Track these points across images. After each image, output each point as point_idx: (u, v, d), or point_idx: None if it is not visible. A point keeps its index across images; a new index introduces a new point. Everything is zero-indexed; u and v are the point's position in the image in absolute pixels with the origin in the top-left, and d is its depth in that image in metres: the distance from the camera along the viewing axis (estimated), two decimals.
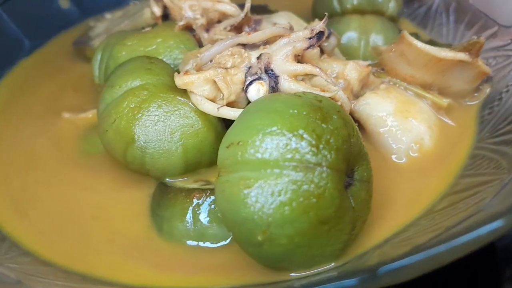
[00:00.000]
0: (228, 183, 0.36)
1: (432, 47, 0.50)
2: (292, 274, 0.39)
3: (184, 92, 0.47)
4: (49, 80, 0.69)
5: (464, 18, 0.67)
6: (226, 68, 0.46)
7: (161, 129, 0.45)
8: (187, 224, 0.43)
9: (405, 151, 0.51)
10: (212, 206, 0.43)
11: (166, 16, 0.60)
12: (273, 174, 0.35)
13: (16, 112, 0.64)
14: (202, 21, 0.56)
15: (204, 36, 0.56)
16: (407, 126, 0.51)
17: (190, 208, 0.43)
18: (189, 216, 0.43)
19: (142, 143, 0.45)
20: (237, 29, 0.57)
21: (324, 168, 0.35)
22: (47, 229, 0.47)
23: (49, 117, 0.61)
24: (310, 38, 0.45)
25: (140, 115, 0.45)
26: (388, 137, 0.51)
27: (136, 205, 0.48)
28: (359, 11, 0.68)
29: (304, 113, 0.37)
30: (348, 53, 0.63)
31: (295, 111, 0.37)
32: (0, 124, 0.62)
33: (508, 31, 0.58)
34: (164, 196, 0.45)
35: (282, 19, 0.63)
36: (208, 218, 0.43)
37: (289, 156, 0.35)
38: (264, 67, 0.45)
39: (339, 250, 0.38)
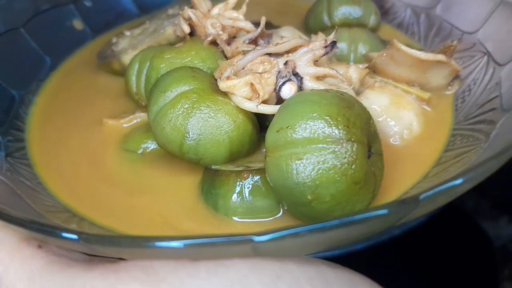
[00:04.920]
0: (282, 158, 0.47)
1: (416, 50, 0.63)
2: None
3: (225, 94, 0.57)
4: (81, 93, 0.77)
5: (432, 28, 0.81)
6: (260, 73, 0.57)
7: (211, 124, 0.55)
8: (241, 198, 0.53)
9: (400, 135, 0.63)
10: (259, 183, 0.53)
11: (191, 33, 0.71)
12: (317, 148, 0.46)
13: (57, 127, 0.72)
14: (225, 36, 0.67)
15: (227, 48, 0.67)
16: (399, 115, 0.64)
17: (242, 183, 0.53)
18: (242, 190, 0.53)
19: (196, 136, 0.55)
20: (254, 42, 0.69)
21: (354, 142, 0.47)
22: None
23: (93, 126, 0.70)
24: (326, 46, 0.57)
25: (194, 114, 0.55)
26: (386, 125, 0.63)
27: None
28: (347, 24, 0.81)
29: (335, 102, 0.48)
30: (340, 59, 0.76)
31: (328, 101, 0.48)
32: (47, 139, 0.70)
33: (471, 37, 0.73)
34: (217, 178, 0.55)
35: (287, 32, 0.75)
36: (256, 192, 0.53)
37: (328, 134, 0.46)
38: (291, 71, 0.56)
39: (365, 206, 0.49)
